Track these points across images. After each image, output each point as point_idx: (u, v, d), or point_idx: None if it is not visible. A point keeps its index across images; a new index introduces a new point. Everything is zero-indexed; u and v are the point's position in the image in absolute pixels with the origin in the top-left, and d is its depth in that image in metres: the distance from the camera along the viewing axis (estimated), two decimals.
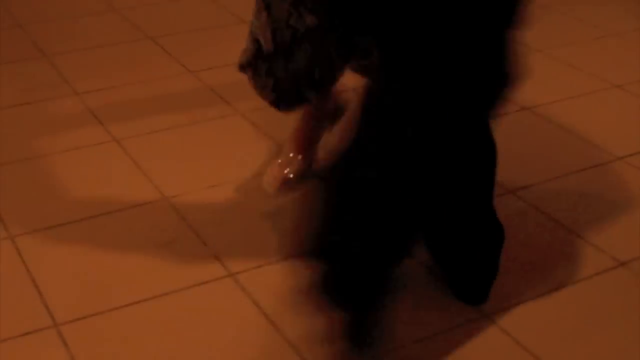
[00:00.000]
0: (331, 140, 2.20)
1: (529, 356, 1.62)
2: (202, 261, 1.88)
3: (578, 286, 1.81)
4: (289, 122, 2.44)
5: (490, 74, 1.48)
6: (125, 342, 1.66)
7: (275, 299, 1.75)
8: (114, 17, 3.25)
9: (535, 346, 1.64)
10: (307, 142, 2.18)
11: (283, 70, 1.89)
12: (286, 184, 2.13)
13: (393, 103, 1.47)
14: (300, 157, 2.16)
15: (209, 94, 2.65)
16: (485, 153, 1.73)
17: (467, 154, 1.62)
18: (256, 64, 1.94)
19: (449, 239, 1.82)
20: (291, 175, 2.14)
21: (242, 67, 2.00)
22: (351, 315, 1.57)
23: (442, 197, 1.67)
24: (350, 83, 2.16)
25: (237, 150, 2.34)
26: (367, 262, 1.57)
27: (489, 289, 1.80)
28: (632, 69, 2.74)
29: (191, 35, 3.08)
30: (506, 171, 1.85)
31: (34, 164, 2.28)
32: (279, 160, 2.16)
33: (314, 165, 2.18)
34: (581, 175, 2.20)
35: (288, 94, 1.94)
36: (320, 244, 1.61)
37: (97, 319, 1.72)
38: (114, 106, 2.58)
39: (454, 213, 1.80)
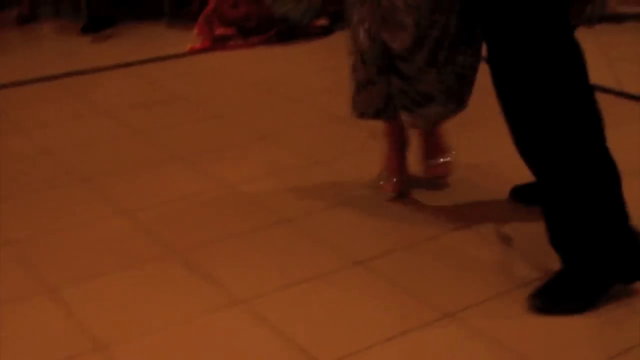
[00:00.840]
0: None
1: None
2: None
3: None
4: (223, 260, 2.44)
5: None
6: None
7: None
8: (47, 160, 3.24)
9: None
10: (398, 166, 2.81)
11: None
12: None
13: None
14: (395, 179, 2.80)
15: (142, 234, 2.63)
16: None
17: None
18: None
19: None
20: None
21: None
22: None
23: None
24: None
25: (172, 292, 2.31)
26: None
27: None
28: None
29: (124, 174, 3.07)
30: None
31: None
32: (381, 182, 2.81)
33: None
34: None
35: None
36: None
37: None
38: (48, 253, 2.54)
39: None
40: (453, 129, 3.30)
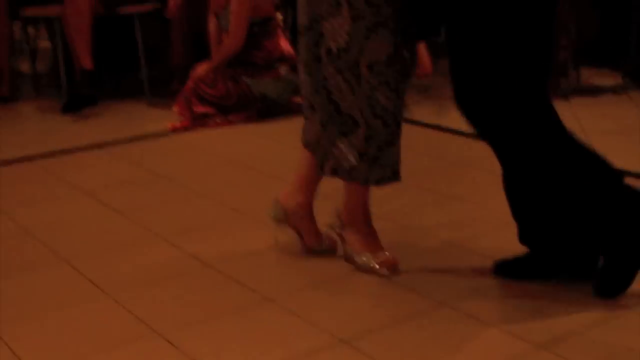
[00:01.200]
0: None
1: None
2: None
3: None
4: (207, 341, 2.42)
5: None
6: None
7: None
8: (28, 241, 3.23)
9: None
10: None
11: None
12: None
13: None
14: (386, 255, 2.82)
15: (125, 315, 2.61)
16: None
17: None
18: None
19: None
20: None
21: None
22: None
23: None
24: None
25: None
26: None
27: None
28: None
29: (105, 255, 3.06)
30: None
31: None
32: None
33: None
34: None
35: None
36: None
37: None
38: (28, 336, 2.51)
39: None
40: (434, 204, 3.33)
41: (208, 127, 4.77)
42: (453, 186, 3.57)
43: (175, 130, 4.72)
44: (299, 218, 2.94)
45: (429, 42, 4.76)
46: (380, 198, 3.01)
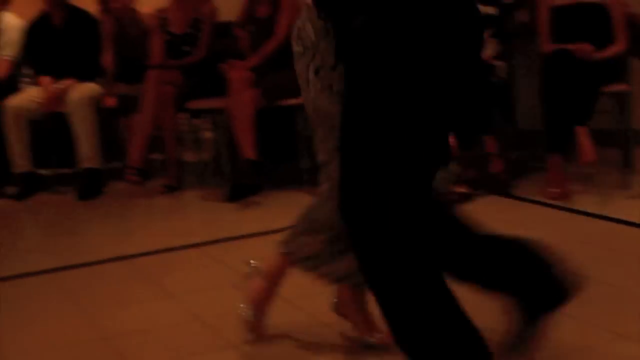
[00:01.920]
0: None
1: None
2: None
3: None
4: None
5: None
6: None
7: None
8: (197, 327, 3.30)
9: None
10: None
11: None
12: None
13: None
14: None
15: None
16: None
17: None
18: None
19: None
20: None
21: None
22: None
23: None
24: None
25: None
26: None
27: None
28: None
29: (276, 340, 3.09)
30: None
31: None
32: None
33: None
34: None
35: None
36: None
37: None
38: None
39: None
40: (612, 298, 3.21)
41: None
42: (631, 279, 3.45)
43: None
44: (259, 298, 3.06)
45: (592, 130, 4.68)
46: None
